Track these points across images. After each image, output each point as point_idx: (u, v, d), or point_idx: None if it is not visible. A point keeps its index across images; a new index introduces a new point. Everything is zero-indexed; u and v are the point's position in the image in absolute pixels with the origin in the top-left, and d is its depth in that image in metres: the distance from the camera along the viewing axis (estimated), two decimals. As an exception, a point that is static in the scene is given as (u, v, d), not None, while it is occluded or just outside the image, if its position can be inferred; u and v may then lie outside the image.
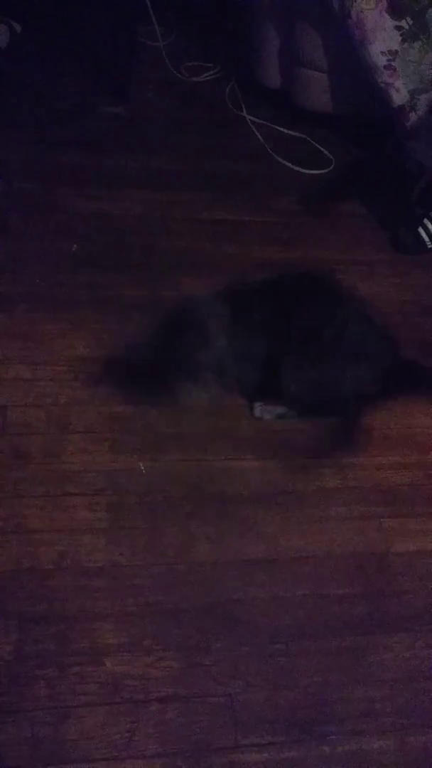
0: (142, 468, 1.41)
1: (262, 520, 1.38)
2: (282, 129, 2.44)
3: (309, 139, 2.44)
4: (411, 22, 2.05)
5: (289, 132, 2.44)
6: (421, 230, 2.13)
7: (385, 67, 2.11)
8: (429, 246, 2.14)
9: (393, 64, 2.11)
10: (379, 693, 1.19)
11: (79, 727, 1.08)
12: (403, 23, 2.04)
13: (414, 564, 1.36)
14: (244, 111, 2.47)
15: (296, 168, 2.32)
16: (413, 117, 2.27)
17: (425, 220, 2.14)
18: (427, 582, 1.34)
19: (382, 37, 2.06)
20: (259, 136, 2.39)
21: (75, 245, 1.87)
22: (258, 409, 1.56)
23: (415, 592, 1.32)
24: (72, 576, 1.24)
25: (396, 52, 2.08)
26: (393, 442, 1.57)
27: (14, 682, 1.11)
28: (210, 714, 1.12)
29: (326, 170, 2.36)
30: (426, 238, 2.13)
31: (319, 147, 2.43)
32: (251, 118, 2.44)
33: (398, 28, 2.05)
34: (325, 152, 2.41)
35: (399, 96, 2.18)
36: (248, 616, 1.24)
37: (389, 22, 2.04)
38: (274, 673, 1.18)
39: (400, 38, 2.07)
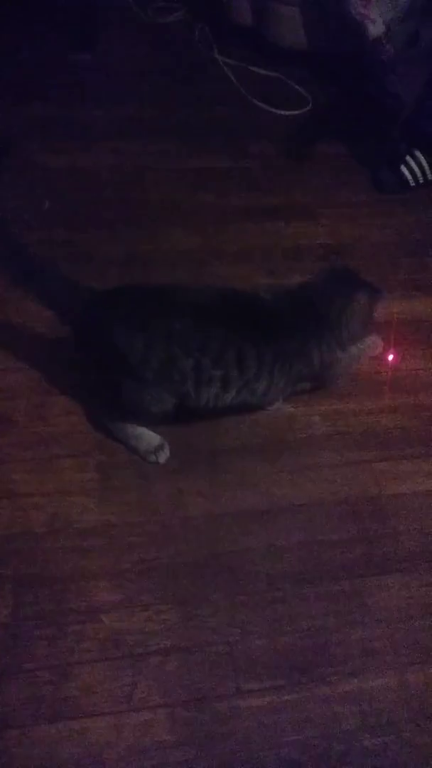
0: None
1: (253, 471, 1.38)
2: (256, 69, 2.36)
3: (284, 78, 2.37)
4: None
5: (264, 72, 2.37)
6: (403, 168, 2.08)
7: (359, -3, 2.03)
8: (412, 184, 2.09)
9: (367, -7, 2.03)
10: (376, 633, 1.20)
11: (80, 683, 1.08)
12: None
13: (407, 505, 1.36)
14: (216, 52, 2.38)
15: (272, 110, 2.26)
16: (390, 49, 2.20)
17: (407, 157, 2.08)
18: (420, 523, 1.34)
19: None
20: (233, 78, 2.31)
21: (47, 202, 1.82)
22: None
23: (409, 533, 1.32)
24: (65, 537, 1.24)
25: (370, -20, 2.00)
26: (382, 386, 1.56)
27: (14, 644, 1.12)
28: (210, 663, 1.13)
29: (303, 110, 2.29)
30: (408, 176, 2.08)
31: (296, 86, 2.35)
32: (223, 59, 2.36)
33: None
34: (302, 92, 2.34)
35: (374, 28, 2.11)
36: (244, 566, 1.24)
37: None
38: (272, 619, 1.19)
39: (373, -35, 1.99)
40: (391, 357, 1.62)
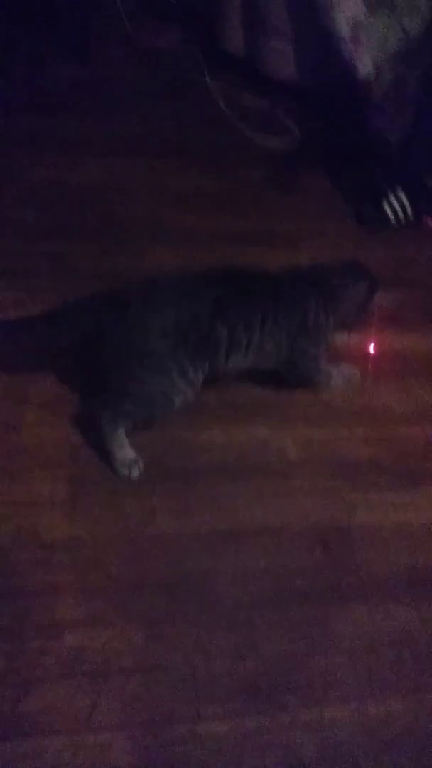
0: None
1: (225, 492, 1.37)
2: (245, 96, 2.39)
3: (274, 108, 2.41)
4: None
5: (253, 100, 2.40)
6: (384, 205, 2.13)
7: (350, 38, 2.08)
8: (392, 221, 2.14)
9: (358, 35, 2.09)
10: (339, 662, 1.20)
11: (39, 701, 1.06)
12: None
13: (375, 536, 1.38)
14: (207, 76, 2.41)
15: (260, 137, 2.28)
16: (378, 90, 2.26)
17: (390, 195, 2.13)
18: (387, 554, 1.35)
19: (347, 6, 2.04)
20: (222, 104, 2.34)
21: (33, 214, 1.81)
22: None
23: (376, 563, 1.33)
24: (31, 551, 1.22)
25: (361, 23, 2.06)
26: (356, 417, 1.58)
27: (-28, 659, 1.09)
28: (172, 685, 1.11)
29: (291, 141, 2.33)
30: (389, 214, 2.13)
31: (284, 117, 2.39)
32: (214, 83, 2.39)
33: (365, -2, 2.03)
34: (290, 123, 2.38)
35: (364, 69, 2.16)
36: (211, 588, 1.24)
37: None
38: (237, 643, 1.18)
39: (365, 8, 2.05)
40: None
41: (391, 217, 2.12)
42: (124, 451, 1.35)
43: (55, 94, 2.23)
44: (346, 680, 1.18)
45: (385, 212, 2.12)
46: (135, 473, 1.35)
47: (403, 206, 2.13)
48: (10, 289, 1.61)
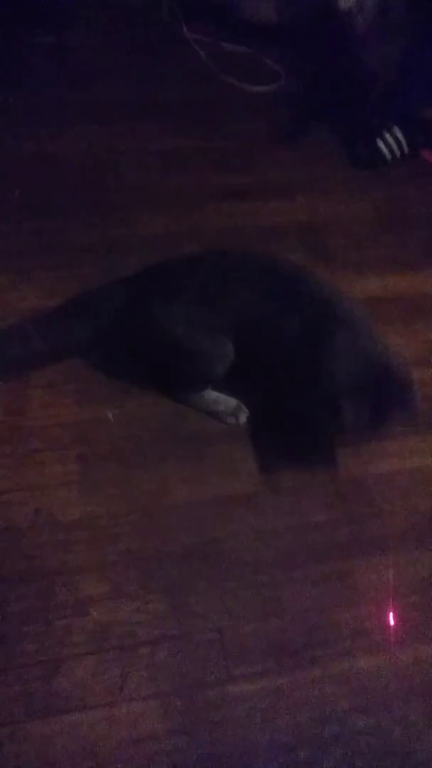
0: (111, 417, 1.37)
1: (238, 456, 1.36)
2: (226, 45, 2.31)
3: (256, 54, 2.32)
4: None
5: (234, 48, 2.32)
6: (379, 142, 2.06)
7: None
8: (388, 158, 2.07)
9: (337, -37, 1.99)
10: (366, 612, 1.20)
11: (70, 678, 1.07)
12: None
13: (392, 484, 1.36)
14: (184, 29, 2.32)
15: (245, 86, 2.21)
16: (361, 21, 2.16)
17: (383, 132, 2.06)
18: (405, 501, 1.34)
19: None
20: (203, 55, 2.26)
21: (17, 191, 1.78)
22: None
23: (394, 511, 1.32)
24: (49, 532, 1.22)
25: None
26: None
27: (2, 641, 1.10)
28: (200, 650, 1.12)
29: (276, 86, 2.25)
30: (385, 151, 2.06)
31: (268, 61, 2.31)
32: (192, 35, 2.30)
33: None
34: (274, 67, 2.30)
35: (344, 0, 2.07)
36: (231, 552, 1.24)
37: None
38: (261, 604, 1.18)
39: None
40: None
41: (387, 154, 2.05)
42: (222, 403, 1.39)
43: (31, 65, 2.17)
44: (373, 629, 1.18)
45: (380, 150, 2.05)
46: (242, 418, 1.39)
47: (398, 142, 2.05)
48: (5, 272, 1.59)
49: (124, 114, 2.06)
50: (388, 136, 2.05)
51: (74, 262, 1.62)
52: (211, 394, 1.39)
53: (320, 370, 1.21)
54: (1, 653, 1.10)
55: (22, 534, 1.22)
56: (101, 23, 2.33)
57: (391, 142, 2.05)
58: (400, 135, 2.05)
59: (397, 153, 2.06)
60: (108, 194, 1.83)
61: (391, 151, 2.05)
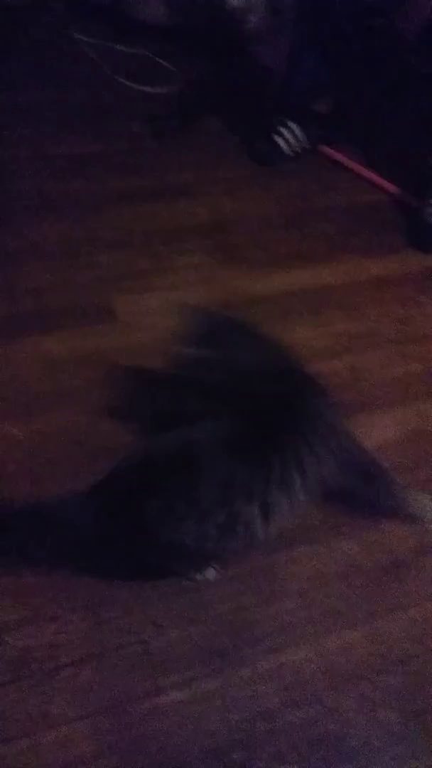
0: (17, 432, 1.33)
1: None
2: (119, 47, 2.28)
3: (150, 55, 2.30)
4: None
5: (128, 49, 2.29)
6: (276, 138, 2.08)
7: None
8: (288, 154, 2.09)
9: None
10: (291, 606, 1.20)
11: (-10, 710, 1.03)
12: None
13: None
14: (74, 32, 2.28)
15: (141, 87, 2.19)
16: (252, 19, 2.18)
17: (280, 127, 2.08)
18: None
19: None
20: (95, 58, 2.23)
21: None
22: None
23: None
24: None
25: None
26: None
27: None
28: (125, 665, 1.10)
29: (173, 86, 2.23)
30: (283, 146, 2.08)
31: (162, 62, 2.29)
32: (82, 38, 2.26)
33: None
34: (170, 67, 2.29)
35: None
36: (152, 560, 1.21)
37: None
38: (185, 609, 1.17)
39: None
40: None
41: (285, 149, 2.07)
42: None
43: None
44: (300, 622, 1.19)
45: (278, 145, 2.07)
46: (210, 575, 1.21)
47: (295, 136, 2.08)
48: None
49: (15, 119, 2.00)
50: (285, 131, 2.08)
51: (-30, 275, 1.56)
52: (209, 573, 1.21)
53: None
54: None
55: None
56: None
57: (288, 137, 2.08)
58: (297, 130, 2.08)
59: (297, 148, 2.09)
60: (2, 202, 1.77)
61: (289, 146, 2.08)
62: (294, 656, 1.15)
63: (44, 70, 2.17)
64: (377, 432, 1.47)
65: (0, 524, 1.06)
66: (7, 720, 1.02)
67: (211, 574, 1.21)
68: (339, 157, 2.14)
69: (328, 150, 2.15)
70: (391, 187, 2.05)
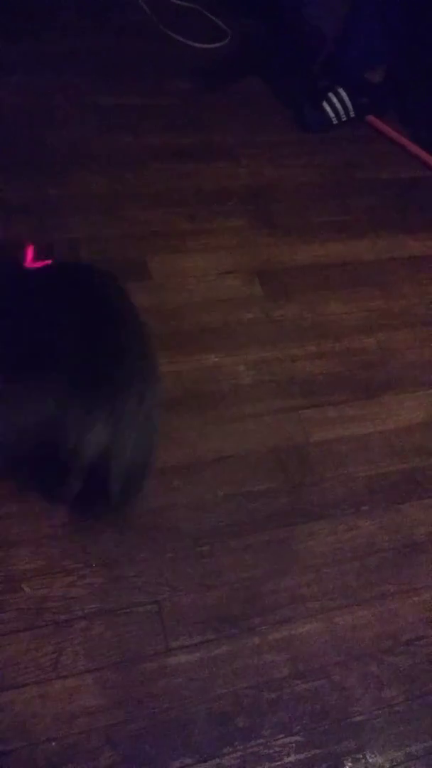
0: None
1: (177, 425, 1.33)
2: (172, 0, 2.21)
3: (201, 9, 2.23)
4: None
5: (179, 2, 2.22)
6: (325, 105, 2.01)
7: None
8: (334, 122, 2.03)
9: None
10: (305, 580, 1.20)
11: (2, 655, 1.04)
12: None
13: (333, 452, 1.36)
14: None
15: (189, 43, 2.12)
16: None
17: (329, 94, 2.02)
18: (346, 468, 1.34)
19: None
20: (146, 9, 2.16)
21: None
22: None
23: (335, 479, 1.32)
24: (-21, 505, 1.17)
25: None
26: (306, 332, 1.53)
27: None
28: (138, 623, 1.10)
29: (222, 44, 2.17)
30: (331, 114, 2.02)
31: (213, 18, 2.22)
32: (135, -13, 2.20)
33: None
34: (220, 24, 2.21)
35: None
36: (170, 523, 1.21)
37: None
38: (200, 574, 1.17)
39: None
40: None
41: (333, 117, 2.01)
42: None
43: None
44: (312, 596, 1.19)
45: (325, 113, 2.01)
46: None
47: (344, 105, 2.02)
48: None
49: (63, 68, 1.95)
50: (334, 98, 2.02)
51: (8, 220, 1.54)
52: None
53: None
54: None
55: None
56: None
57: (337, 104, 2.01)
58: (346, 98, 2.01)
59: (344, 116, 2.03)
60: (44, 151, 1.73)
61: (337, 114, 2.02)
62: (304, 629, 1.16)
63: (92, 18, 2.10)
64: (404, 414, 1.45)
65: None
66: (18, 666, 1.03)
67: None
68: (386, 129, 2.07)
69: (375, 121, 2.08)
70: (438, 164, 1.99)
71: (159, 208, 1.67)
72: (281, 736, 1.05)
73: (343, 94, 2.02)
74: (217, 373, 1.42)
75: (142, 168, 1.76)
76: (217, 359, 1.44)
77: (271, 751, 1.04)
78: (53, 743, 0.98)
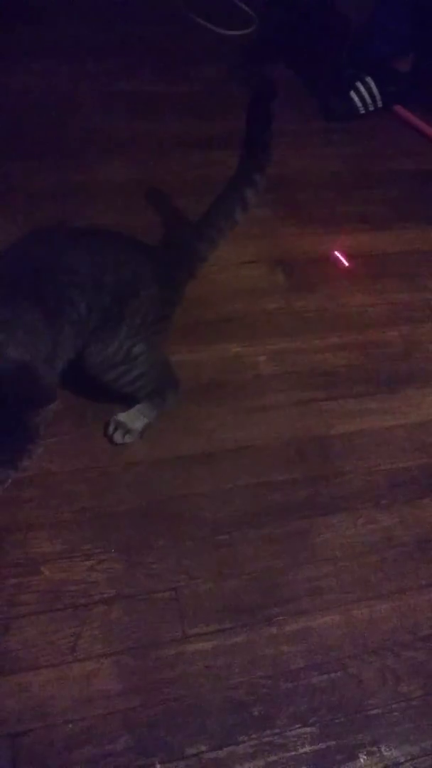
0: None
1: (197, 414, 1.33)
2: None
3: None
4: None
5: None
6: (352, 94, 1.99)
7: None
8: (361, 112, 2.01)
9: None
10: (323, 572, 1.20)
11: (21, 637, 1.05)
12: None
13: (353, 444, 1.35)
14: (153, -36, 2.20)
15: (215, 29, 2.11)
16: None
17: (356, 83, 2.00)
18: (366, 460, 1.33)
19: None
20: (173, -6, 2.15)
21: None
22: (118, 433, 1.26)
23: (355, 471, 1.31)
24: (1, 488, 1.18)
25: None
26: (329, 324, 1.52)
27: None
28: (155, 610, 1.11)
29: (248, 30, 2.15)
30: (358, 103, 2.00)
31: (240, 4, 2.20)
32: (161, -29, 2.18)
33: None
34: (247, 10, 2.20)
35: None
36: (189, 511, 1.21)
37: None
38: (219, 563, 1.17)
39: None
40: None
41: (360, 106, 1.99)
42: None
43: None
44: (330, 588, 1.18)
45: (352, 101, 1.99)
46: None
47: (371, 94, 2.00)
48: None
49: (87, 52, 1.95)
50: (361, 87, 2.00)
51: (31, 206, 1.54)
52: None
53: None
54: None
55: (-29, 492, 1.17)
56: None
57: (364, 93, 1.99)
58: (373, 87, 1.99)
59: (371, 106, 2.01)
60: (67, 136, 1.74)
61: (364, 103, 2.00)
62: (321, 621, 1.15)
63: (122, 5, 2.10)
64: (426, 408, 1.44)
65: None
66: (35, 648, 1.04)
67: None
68: (413, 119, 2.04)
69: (402, 111, 2.06)
70: (465, 156, 1.96)
71: (182, 197, 1.66)
72: (296, 726, 1.05)
73: (371, 83, 1.99)
74: (239, 364, 1.42)
75: (166, 156, 1.75)
76: (238, 349, 1.43)
77: (285, 741, 1.04)
78: (70, 725, 0.99)
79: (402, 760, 1.05)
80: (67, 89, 1.85)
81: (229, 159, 1.79)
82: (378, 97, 2.00)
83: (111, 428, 1.26)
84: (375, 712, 1.08)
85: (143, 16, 2.11)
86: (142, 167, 1.71)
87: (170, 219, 1.61)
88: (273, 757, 1.02)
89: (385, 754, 1.05)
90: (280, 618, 1.14)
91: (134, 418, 1.26)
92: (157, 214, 1.60)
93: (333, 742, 1.05)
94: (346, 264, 1.60)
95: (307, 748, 1.04)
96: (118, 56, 1.97)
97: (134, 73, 1.93)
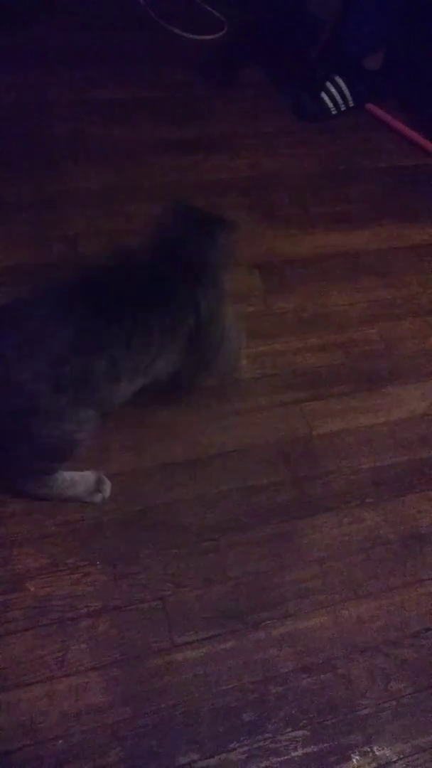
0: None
1: (180, 421, 1.33)
2: (165, -11, 2.19)
3: (197, 0, 2.21)
4: None
5: (174, -8, 2.20)
6: (323, 95, 2.00)
7: None
8: (333, 112, 2.01)
9: None
10: (309, 573, 1.20)
11: (8, 654, 1.04)
12: None
13: (336, 444, 1.35)
14: (120, -29, 2.19)
15: (185, 34, 2.11)
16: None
17: (327, 84, 2.00)
18: (350, 460, 1.34)
19: None
20: (142, 0, 2.15)
21: None
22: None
23: (339, 471, 1.32)
24: (-18, 504, 1.17)
25: None
26: (308, 324, 1.52)
27: None
28: (142, 620, 1.10)
29: (219, 35, 2.15)
30: (329, 104, 2.00)
31: (209, 9, 2.20)
32: (129, -22, 2.18)
33: None
34: (216, 14, 2.20)
35: None
36: (174, 518, 1.21)
37: None
38: (205, 570, 1.17)
39: None
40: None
41: (331, 106, 1.99)
42: (80, 483, 1.19)
43: None
44: (317, 589, 1.18)
45: (323, 102, 1.99)
46: (107, 491, 1.20)
47: (342, 94, 2.00)
48: None
49: (58, 61, 1.94)
50: (332, 88, 2.00)
51: (5, 220, 1.53)
52: (64, 476, 1.16)
53: None
54: None
55: None
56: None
57: (335, 94, 2.00)
58: (344, 86, 2.00)
59: (342, 106, 2.01)
60: (42, 147, 1.73)
61: (335, 103, 2.00)
62: (309, 623, 1.15)
63: (90, 14, 2.09)
64: (408, 404, 1.44)
65: None
66: (24, 665, 1.04)
67: (107, 490, 1.20)
68: (385, 116, 2.05)
69: (374, 109, 2.06)
70: (438, 151, 1.97)
71: (159, 202, 1.65)
72: (288, 730, 1.05)
73: (341, 83, 2.00)
74: (219, 368, 1.41)
75: (140, 162, 1.75)
76: (218, 354, 1.43)
77: (278, 745, 1.04)
78: (60, 741, 0.98)
79: (394, 758, 1.05)
80: (39, 98, 1.84)
81: (202, 163, 1.81)
82: (349, 96, 2.00)
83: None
84: (366, 712, 1.09)
85: (114, 24, 2.10)
86: (116, 173, 1.70)
87: (144, 225, 1.60)
88: (266, 763, 1.02)
89: (377, 753, 1.05)
90: (268, 622, 1.14)
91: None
92: (133, 220, 1.60)
93: (325, 744, 1.05)
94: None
95: (300, 752, 1.04)
96: (90, 64, 1.96)
97: (107, 81, 1.93)
